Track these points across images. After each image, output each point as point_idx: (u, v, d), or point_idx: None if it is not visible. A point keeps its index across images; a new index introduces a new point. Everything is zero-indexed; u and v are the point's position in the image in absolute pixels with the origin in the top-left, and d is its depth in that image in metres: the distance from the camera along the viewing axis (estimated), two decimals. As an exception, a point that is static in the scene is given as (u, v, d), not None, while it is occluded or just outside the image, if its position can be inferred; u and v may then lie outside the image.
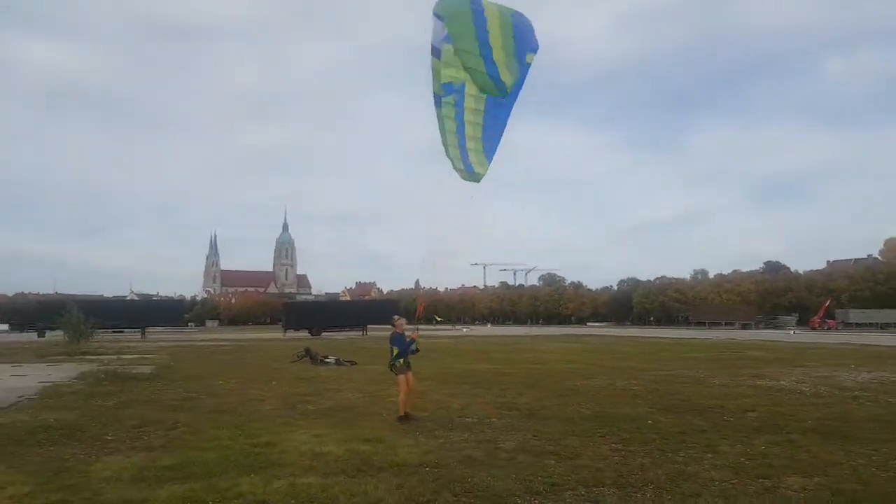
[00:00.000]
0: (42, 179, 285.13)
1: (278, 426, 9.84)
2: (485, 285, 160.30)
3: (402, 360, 10.30)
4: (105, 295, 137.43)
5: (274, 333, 60.75)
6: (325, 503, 5.89)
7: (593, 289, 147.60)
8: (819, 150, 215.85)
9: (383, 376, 13.06)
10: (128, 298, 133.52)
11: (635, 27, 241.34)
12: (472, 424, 10.14)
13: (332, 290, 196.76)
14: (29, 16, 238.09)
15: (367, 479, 6.65)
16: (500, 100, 7.63)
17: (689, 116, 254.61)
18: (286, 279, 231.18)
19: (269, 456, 7.78)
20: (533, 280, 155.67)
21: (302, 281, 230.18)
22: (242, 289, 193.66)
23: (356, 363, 21.67)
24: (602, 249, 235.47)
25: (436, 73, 7.85)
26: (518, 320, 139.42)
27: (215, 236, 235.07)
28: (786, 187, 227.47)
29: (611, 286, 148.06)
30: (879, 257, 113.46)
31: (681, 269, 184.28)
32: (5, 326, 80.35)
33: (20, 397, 13.26)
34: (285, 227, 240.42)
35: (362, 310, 64.61)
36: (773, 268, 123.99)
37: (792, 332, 65.13)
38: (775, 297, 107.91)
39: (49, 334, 47.67)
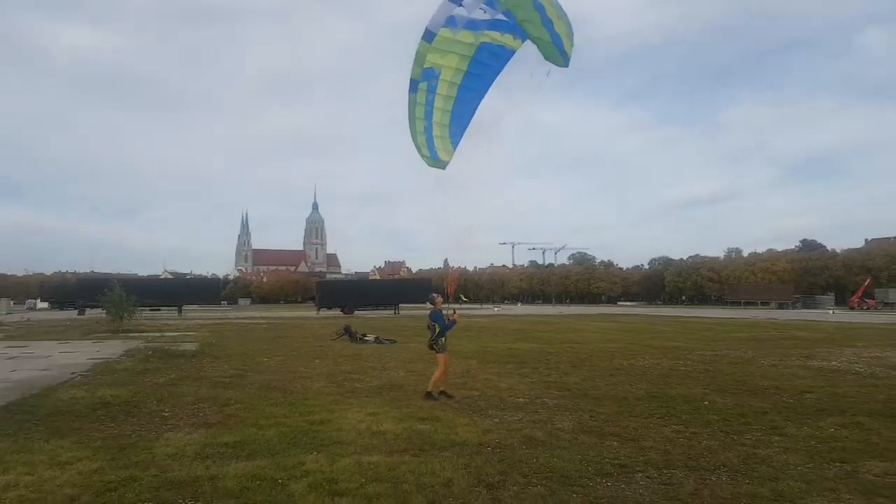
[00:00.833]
0: (76, 161, 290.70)
1: (330, 404, 9.83)
2: (514, 264, 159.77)
3: (443, 339, 10.31)
4: (139, 274, 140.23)
5: (307, 312, 61.40)
6: (394, 482, 5.81)
7: (624, 268, 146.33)
8: (856, 126, 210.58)
9: (426, 355, 12.97)
10: (161, 277, 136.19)
11: (668, 2, 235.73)
12: (524, 404, 10.01)
13: (361, 270, 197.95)
14: (63, 2, 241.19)
15: (431, 459, 6.56)
16: (476, 86, 8.06)
17: (723, 92, 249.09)
18: (316, 258, 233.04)
19: (328, 434, 7.75)
20: (562, 259, 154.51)
21: (332, 260, 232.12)
22: (273, 267, 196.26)
23: (395, 341, 21.68)
24: (633, 228, 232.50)
25: (419, 58, 7.88)
26: (547, 300, 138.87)
27: (246, 215, 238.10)
28: (823, 164, 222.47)
29: (642, 265, 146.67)
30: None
31: (714, 248, 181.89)
32: (45, 304, 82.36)
33: (73, 373, 13.47)
34: (315, 206, 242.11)
35: (395, 289, 64.55)
36: (810, 246, 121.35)
37: (831, 311, 63.83)
38: (811, 276, 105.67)
39: (89, 312, 48.77)
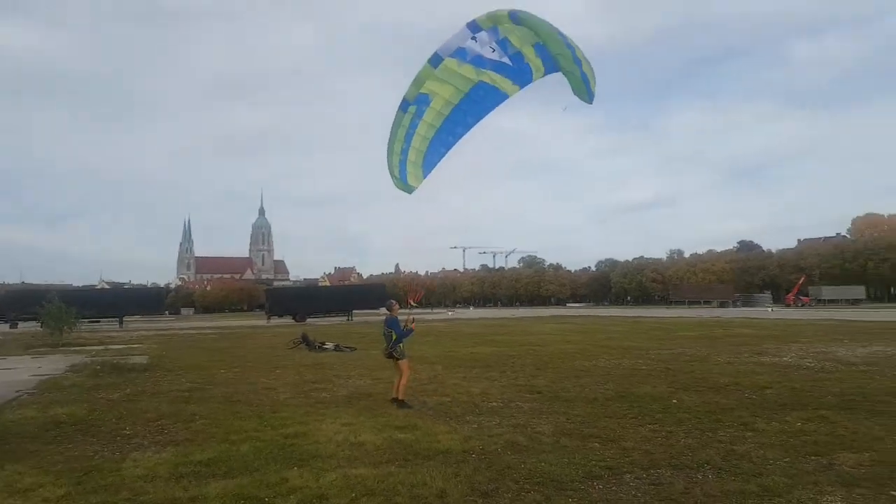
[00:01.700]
0: (5, 164, 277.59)
1: (302, 416, 9.56)
2: (465, 268, 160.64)
3: (402, 345, 10.31)
4: (73, 284, 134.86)
5: (256, 320, 60.05)
6: (386, 495, 5.66)
7: (572, 270, 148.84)
8: (788, 133, 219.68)
9: (390, 362, 12.80)
10: (99, 287, 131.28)
11: (612, 10, 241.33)
12: (499, 409, 9.97)
13: (310, 276, 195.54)
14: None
15: (419, 469, 6.43)
16: (461, 121, 8.19)
17: (665, 100, 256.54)
18: (263, 265, 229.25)
19: (306, 447, 7.51)
20: (513, 262, 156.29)
21: (279, 266, 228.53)
22: (218, 275, 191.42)
23: (356, 349, 21.38)
24: (580, 231, 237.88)
25: (419, 80, 7.88)
26: (499, 302, 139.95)
27: (189, 222, 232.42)
28: (758, 168, 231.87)
29: (589, 267, 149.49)
30: (847, 235, 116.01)
31: (658, 250, 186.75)
32: None
33: (18, 392, 12.76)
34: (262, 211, 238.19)
35: (348, 295, 63.83)
36: (747, 247, 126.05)
37: (770, 309, 66.20)
38: (749, 275, 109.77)
39: (21, 325, 46.54)
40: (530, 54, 7.54)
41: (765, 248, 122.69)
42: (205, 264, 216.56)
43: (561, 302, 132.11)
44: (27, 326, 42.64)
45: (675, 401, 10.33)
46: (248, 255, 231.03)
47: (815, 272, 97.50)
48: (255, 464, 6.80)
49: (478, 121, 8.33)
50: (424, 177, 8.64)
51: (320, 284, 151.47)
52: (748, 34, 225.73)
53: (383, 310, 11.07)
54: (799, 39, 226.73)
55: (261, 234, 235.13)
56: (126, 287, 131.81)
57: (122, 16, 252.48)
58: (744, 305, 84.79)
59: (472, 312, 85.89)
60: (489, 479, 6.12)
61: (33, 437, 8.43)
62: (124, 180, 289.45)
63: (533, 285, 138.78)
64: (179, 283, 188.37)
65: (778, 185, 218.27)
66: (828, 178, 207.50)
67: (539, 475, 6.22)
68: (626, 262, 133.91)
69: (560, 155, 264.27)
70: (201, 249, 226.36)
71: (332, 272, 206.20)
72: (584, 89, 6.99)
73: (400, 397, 10.30)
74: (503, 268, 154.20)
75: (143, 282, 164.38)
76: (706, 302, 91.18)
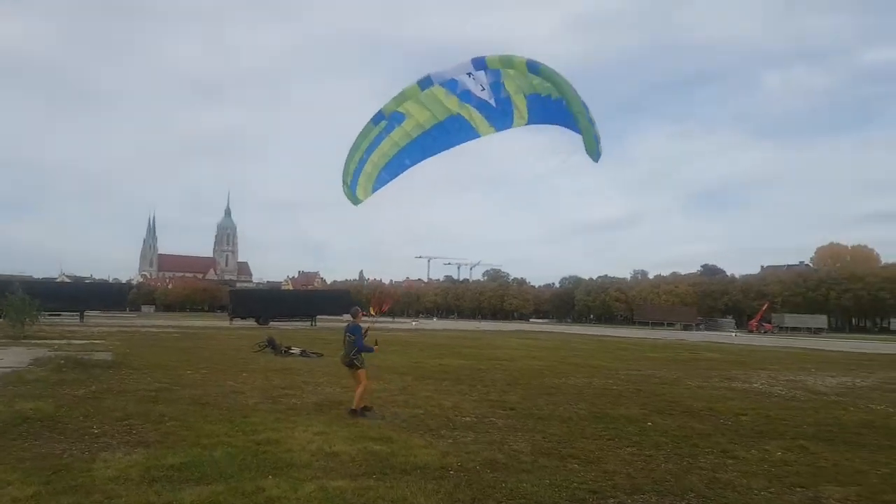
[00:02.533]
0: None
1: (273, 422, 9.34)
2: (429, 279, 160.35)
3: (361, 355, 10.20)
4: (33, 276, 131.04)
5: (218, 321, 59.02)
6: (368, 510, 5.52)
7: (536, 286, 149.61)
8: (754, 160, 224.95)
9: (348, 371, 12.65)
10: (58, 280, 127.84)
11: (582, 32, 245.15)
12: (473, 424, 9.87)
13: (273, 279, 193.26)
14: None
15: (398, 484, 6.29)
16: (426, 146, 8.27)
17: (632, 122, 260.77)
18: (227, 265, 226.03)
19: (279, 455, 7.31)
20: (477, 275, 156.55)
21: (243, 268, 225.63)
22: (180, 274, 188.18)
23: (322, 355, 21.06)
24: (545, 247, 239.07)
25: (401, 98, 7.90)
26: (462, 315, 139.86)
27: (154, 218, 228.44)
28: (723, 194, 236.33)
29: (553, 283, 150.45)
30: (811, 264, 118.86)
31: (622, 270, 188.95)
32: None
33: (-24, 384, 12.26)
34: (228, 212, 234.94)
35: (312, 300, 63.04)
36: (710, 271, 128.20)
37: (734, 334, 67.20)
38: (711, 299, 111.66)
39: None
40: (520, 103, 7.65)
41: (728, 272, 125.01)
42: (168, 262, 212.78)
43: (524, 317, 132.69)
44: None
45: (650, 423, 10.33)
46: (212, 255, 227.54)
47: (777, 299, 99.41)
48: (228, 470, 6.58)
49: (443, 150, 8.36)
50: (373, 192, 8.66)
51: (283, 288, 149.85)
52: (716, 61, 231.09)
53: (347, 316, 10.97)
54: (767, 69, 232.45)
55: (226, 235, 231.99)
56: (88, 281, 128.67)
57: (89, 6, 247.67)
58: (707, 329, 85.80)
59: (436, 323, 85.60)
60: (471, 497, 6.00)
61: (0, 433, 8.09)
62: (91, 172, 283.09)
63: (497, 299, 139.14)
64: (141, 279, 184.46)
65: (743, 211, 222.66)
66: (792, 206, 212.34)
67: (521, 496, 6.12)
68: (591, 279, 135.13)
69: (527, 171, 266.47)
70: (165, 247, 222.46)
71: (296, 276, 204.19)
72: (594, 148, 7.10)
73: (355, 406, 10.13)
74: (468, 280, 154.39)
75: (105, 276, 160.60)
76: (669, 324, 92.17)
